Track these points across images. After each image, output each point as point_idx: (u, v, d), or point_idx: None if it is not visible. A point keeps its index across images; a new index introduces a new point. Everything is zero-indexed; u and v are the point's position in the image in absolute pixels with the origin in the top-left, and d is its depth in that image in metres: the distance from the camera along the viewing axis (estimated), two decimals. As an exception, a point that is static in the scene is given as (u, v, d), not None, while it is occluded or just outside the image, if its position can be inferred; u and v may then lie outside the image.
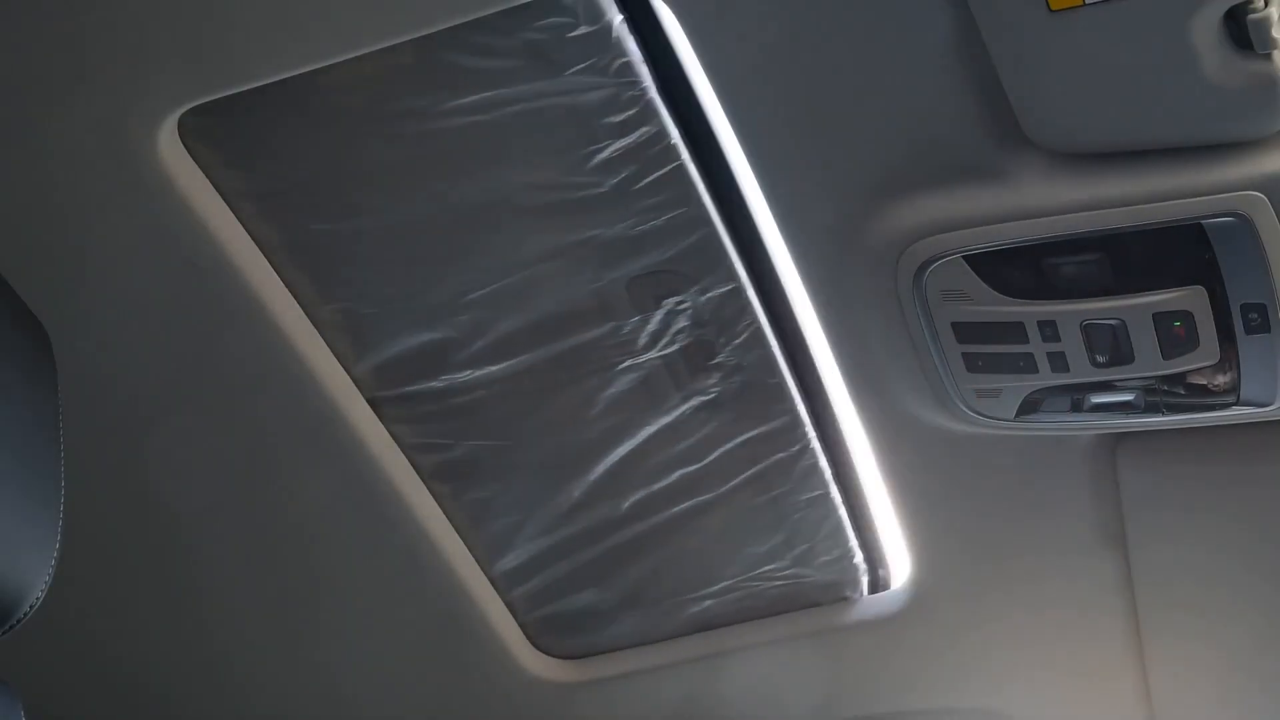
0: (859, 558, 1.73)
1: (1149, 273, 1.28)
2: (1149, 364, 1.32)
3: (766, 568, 1.74)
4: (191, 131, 1.43)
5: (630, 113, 1.42)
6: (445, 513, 1.71)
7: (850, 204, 1.35)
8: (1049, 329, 1.32)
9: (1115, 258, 1.28)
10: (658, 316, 1.56)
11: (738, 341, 1.57)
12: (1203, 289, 1.26)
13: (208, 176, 1.47)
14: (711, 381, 1.60)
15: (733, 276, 1.52)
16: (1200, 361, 1.30)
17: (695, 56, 1.31)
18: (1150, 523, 1.52)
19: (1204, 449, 1.45)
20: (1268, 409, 1.33)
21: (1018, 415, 1.41)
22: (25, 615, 1.12)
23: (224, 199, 1.49)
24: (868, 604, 1.74)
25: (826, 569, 1.74)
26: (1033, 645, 1.69)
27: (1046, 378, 1.36)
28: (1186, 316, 1.28)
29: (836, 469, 1.67)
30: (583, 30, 1.37)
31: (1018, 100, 1.23)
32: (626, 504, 1.70)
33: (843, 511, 1.70)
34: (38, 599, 1.12)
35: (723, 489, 1.68)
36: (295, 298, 1.56)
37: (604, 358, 1.59)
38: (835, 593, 1.75)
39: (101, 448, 1.65)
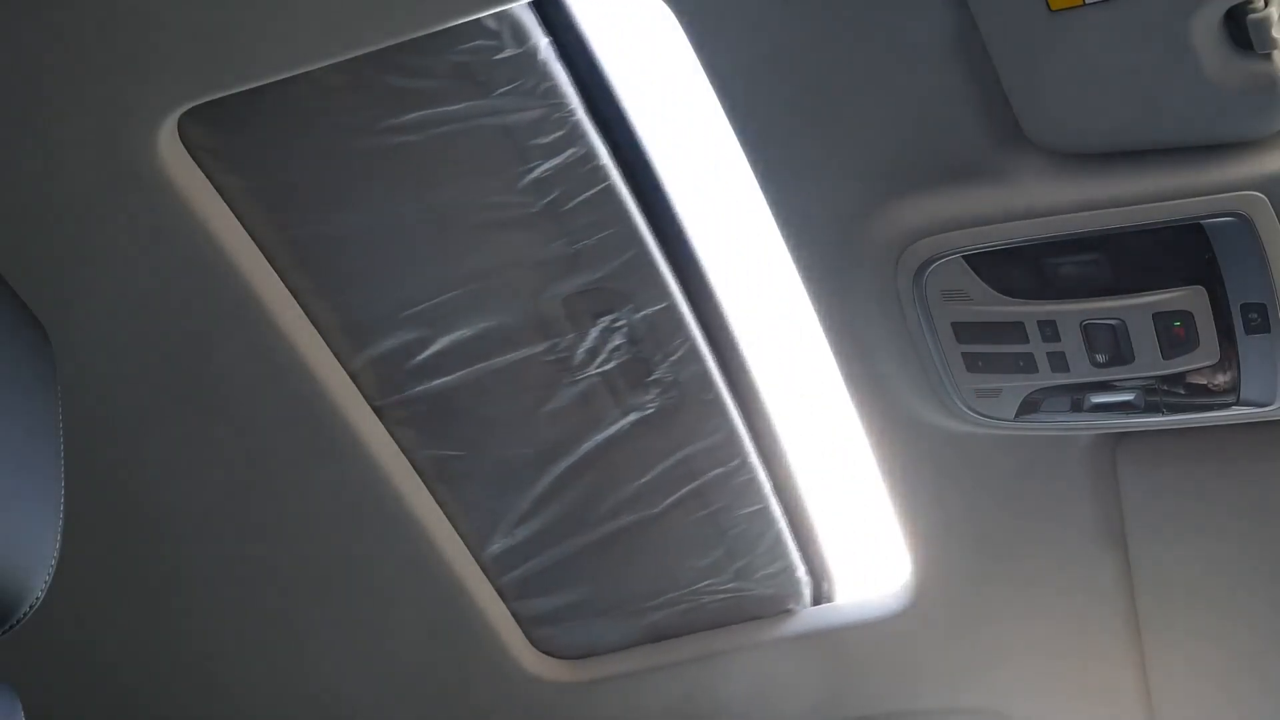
0: (801, 570, 1.76)
1: (1149, 272, 1.28)
2: (1149, 364, 1.32)
3: (708, 581, 1.76)
4: (191, 131, 1.43)
5: (558, 134, 1.46)
6: (445, 513, 1.72)
7: (850, 204, 1.35)
8: (1049, 329, 1.32)
9: (1115, 258, 1.28)
10: (593, 334, 1.58)
11: (674, 358, 1.59)
12: (1203, 289, 1.26)
13: (208, 176, 1.47)
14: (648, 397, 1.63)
15: (666, 294, 1.55)
16: (1200, 361, 1.30)
17: (695, 56, 1.31)
18: (1150, 522, 1.52)
19: (1204, 449, 1.45)
20: (1268, 409, 1.33)
21: (1018, 415, 1.41)
22: (25, 615, 1.12)
23: (224, 199, 1.49)
24: (868, 604, 1.74)
25: (768, 582, 1.76)
26: (1032, 645, 1.69)
27: (1046, 378, 1.36)
28: (1186, 316, 1.28)
29: (776, 483, 1.70)
30: (509, 53, 1.40)
31: (1018, 100, 1.23)
32: (601, 508, 1.72)
33: (783, 524, 1.72)
34: (38, 599, 1.12)
35: (663, 504, 1.70)
36: (295, 298, 1.56)
37: (547, 373, 1.61)
38: (777, 605, 1.77)
39: (101, 448, 1.65)
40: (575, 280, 1.55)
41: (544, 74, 1.43)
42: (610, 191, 1.50)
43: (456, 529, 1.73)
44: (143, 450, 1.68)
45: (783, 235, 1.41)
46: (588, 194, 1.49)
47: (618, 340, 1.58)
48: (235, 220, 1.50)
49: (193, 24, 1.32)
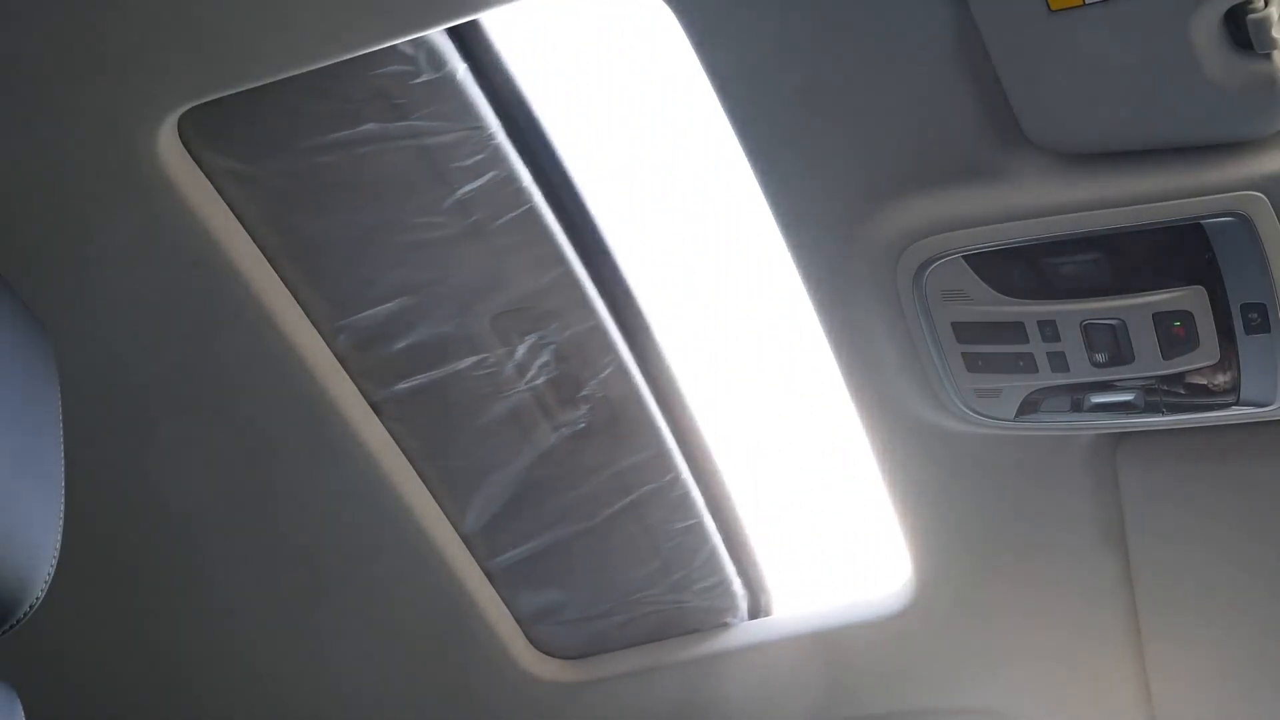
0: (737, 584, 1.78)
1: (1149, 272, 1.28)
2: (1149, 364, 1.32)
3: (645, 592, 1.78)
4: (191, 131, 1.44)
5: (479, 157, 1.48)
6: (445, 513, 1.72)
7: (850, 204, 1.35)
8: (1049, 329, 1.32)
9: (1115, 258, 1.28)
10: (521, 351, 1.60)
11: (602, 375, 1.62)
12: (1203, 289, 1.26)
13: (208, 176, 1.47)
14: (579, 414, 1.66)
15: (592, 314, 1.58)
16: (1200, 361, 1.30)
17: (695, 57, 1.31)
18: (1150, 522, 1.52)
19: (1204, 449, 1.45)
20: (1268, 409, 1.33)
21: (1018, 415, 1.41)
22: (25, 615, 1.12)
23: (224, 199, 1.49)
24: (867, 604, 1.74)
25: (704, 595, 1.78)
26: (1032, 645, 1.69)
27: (1046, 378, 1.36)
28: (1186, 316, 1.28)
29: (709, 499, 1.73)
30: (426, 78, 1.43)
31: (1018, 100, 1.23)
32: (542, 519, 1.74)
33: (718, 539, 1.75)
34: (38, 598, 1.12)
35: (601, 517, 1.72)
36: (294, 297, 1.56)
37: (478, 389, 1.63)
38: (714, 619, 1.80)
39: (102, 447, 1.65)
40: (501, 299, 1.57)
41: (463, 98, 1.46)
42: (533, 213, 1.53)
43: (456, 529, 1.73)
44: (142, 449, 1.68)
45: (783, 236, 1.41)
46: (511, 215, 1.52)
47: (545, 358, 1.60)
48: (235, 219, 1.50)
49: (193, 24, 1.32)
